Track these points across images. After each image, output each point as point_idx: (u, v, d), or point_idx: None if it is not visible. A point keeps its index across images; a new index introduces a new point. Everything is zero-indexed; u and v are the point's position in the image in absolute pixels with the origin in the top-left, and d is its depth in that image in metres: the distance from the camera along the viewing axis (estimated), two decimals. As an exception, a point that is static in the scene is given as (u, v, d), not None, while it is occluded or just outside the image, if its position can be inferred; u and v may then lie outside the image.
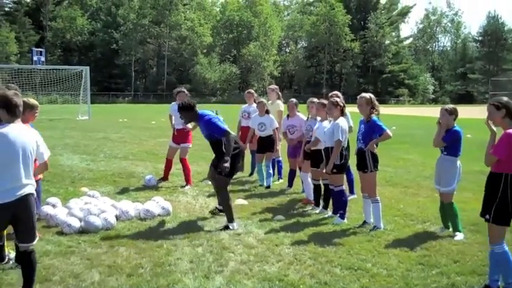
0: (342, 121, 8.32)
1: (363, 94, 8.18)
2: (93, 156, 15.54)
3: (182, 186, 11.12)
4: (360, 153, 7.91)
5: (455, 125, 7.57)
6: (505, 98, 5.55)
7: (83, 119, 32.72)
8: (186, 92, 11.33)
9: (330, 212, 8.82)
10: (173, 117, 11.44)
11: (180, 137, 11.34)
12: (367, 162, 7.83)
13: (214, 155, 8.28)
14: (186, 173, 11.29)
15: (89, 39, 76.64)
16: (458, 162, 7.57)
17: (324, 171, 8.59)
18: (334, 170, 8.32)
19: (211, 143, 8.15)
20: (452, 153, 7.52)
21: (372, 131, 7.80)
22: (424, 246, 7.08)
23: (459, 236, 7.50)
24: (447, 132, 7.51)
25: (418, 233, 7.81)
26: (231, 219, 7.93)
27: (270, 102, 12.12)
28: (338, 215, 8.42)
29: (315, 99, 9.52)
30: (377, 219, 7.94)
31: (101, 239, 7.20)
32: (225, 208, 8.05)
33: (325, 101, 8.95)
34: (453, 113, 7.55)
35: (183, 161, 11.34)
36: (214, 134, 7.95)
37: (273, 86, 12.71)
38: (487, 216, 5.44)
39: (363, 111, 7.97)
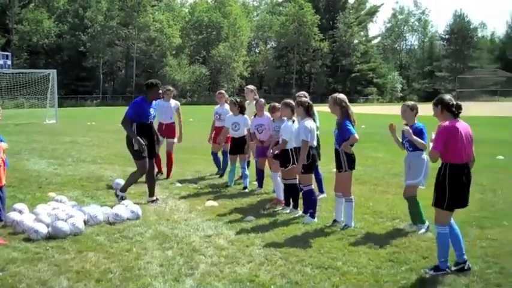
0: (308, 121, 8.39)
1: (333, 94, 8.27)
2: (60, 160, 15.33)
3: (161, 176, 12.29)
4: (336, 153, 8.03)
5: (416, 121, 7.76)
6: (447, 95, 6.26)
7: (50, 123, 32.27)
8: (172, 89, 12.62)
9: (300, 212, 8.84)
10: (161, 113, 12.14)
11: (168, 131, 12.33)
12: (342, 162, 7.94)
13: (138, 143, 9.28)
14: (168, 166, 12.33)
15: (56, 41, 75.52)
16: (425, 156, 7.68)
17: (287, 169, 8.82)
18: (302, 170, 8.37)
19: (150, 123, 9.61)
20: (416, 147, 7.65)
21: (343, 132, 7.90)
22: (393, 243, 7.15)
23: (423, 228, 7.66)
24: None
25: (388, 230, 7.89)
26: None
27: (247, 102, 11.99)
28: (308, 214, 8.45)
29: (277, 104, 9.64)
30: (349, 218, 8.01)
31: (69, 244, 7.08)
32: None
33: (290, 102, 9.07)
34: (414, 108, 7.79)
35: (169, 154, 12.39)
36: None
37: (251, 87, 12.46)
38: (433, 201, 6.09)
39: (332, 111, 8.11)
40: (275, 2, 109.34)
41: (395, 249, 6.92)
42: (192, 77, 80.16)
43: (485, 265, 6.23)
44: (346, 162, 7.92)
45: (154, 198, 9.77)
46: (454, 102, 6.05)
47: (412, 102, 7.99)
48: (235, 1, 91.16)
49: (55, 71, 36.26)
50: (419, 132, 7.60)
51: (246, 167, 11.39)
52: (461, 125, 6.02)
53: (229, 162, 11.73)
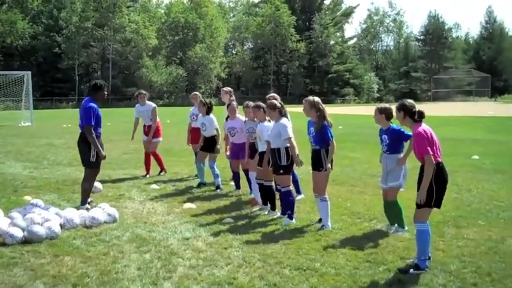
0: (284, 121, 8.42)
1: (308, 98, 8.27)
2: (36, 163, 15.16)
3: (159, 174, 13.03)
4: (315, 153, 8.03)
5: (391, 123, 7.74)
6: (409, 100, 6.45)
7: (25, 125, 31.94)
8: (145, 92, 13.23)
9: (278, 213, 8.86)
10: (142, 117, 13.09)
11: (149, 131, 12.92)
12: (323, 161, 7.94)
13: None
14: (158, 162, 13.05)
15: (30, 43, 74.50)
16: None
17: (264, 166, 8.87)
18: (281, 171, 8.38)
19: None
20: (395, 150, 7.70)
21: (323, 135, 7.92)
22: (371, 244, 7.19)
23: (402, 231, 7.71)
24: (386, 133, 7.73)
25: (365, 231, 7.93)
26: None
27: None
28: (286, 215, 8.46)
29: (251, 103, 9.66)
30: (325, 217, 8.04)
31: (45, 248, 7.00)
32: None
33: (261, 104, 9.14)
34: (383, 111, 7.71)
35: (153, 153, 12.97)
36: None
37: (226, 89, 12.48)
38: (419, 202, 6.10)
39: (308, 114, 8.13)
40: (251, 3, 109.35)
41: (373, 249, 6.95)
42: (169, 78, 79.80)
43: (461, 264, 6.29)
44: (326, 161, 7.94)
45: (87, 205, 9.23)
46: (417, 110, 6.25)
47: (383, 105, 7.88)
48: (211, 2, 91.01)
49: (29, 72, 35.88)
50: (397, 133, 7.61)
51: (215, 166, 11.44)
52: (427, 126, 6.21)
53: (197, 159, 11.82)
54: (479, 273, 6.03)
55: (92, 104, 9.13)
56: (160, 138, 13.24)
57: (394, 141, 7.65)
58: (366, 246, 7.10)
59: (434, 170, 6.00)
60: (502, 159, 15.67)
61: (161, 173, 13.05)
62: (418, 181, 6.17)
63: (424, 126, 6.15)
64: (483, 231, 7.84)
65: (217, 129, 11.42)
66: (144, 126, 13.11)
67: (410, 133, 7.37)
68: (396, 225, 7.85)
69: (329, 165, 7.95)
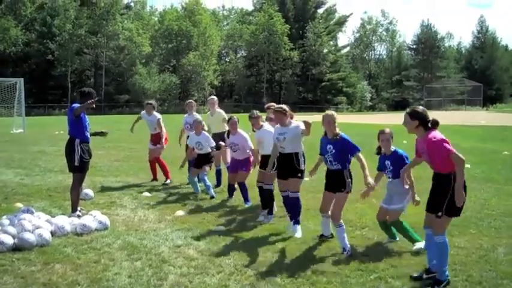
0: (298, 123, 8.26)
1: (328, 112, 7.79)
2: (27, 170, 15.10)
3: (164, 183, 12.80)
4: (335, 173, 7.47)
5: (393, 147, 7.52)
6: (421, 108, 6.16)
7: (17, 132, 31.77)
8: (153, 103, 13.50)
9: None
10: (147, 125, 13.31)
11: (155, 140, 13.17)
12: (346, 182, 7.43)
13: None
14: (163, 169, 13.05)
15: (23, 50, 74.18)
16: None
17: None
18: (299, 175, 8.23)
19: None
20: (399, 175, 7.21)
21: (343, 149, 7.39)
22: (362, 252, 7.20)
23: (418, 245, 7.19)
24: (389, 158, 7.46)
25: (357, 239, 7.93)
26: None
27: (209, 112, 12.68)
28: (293, 222, 8.29)
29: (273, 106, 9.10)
30: (344, 242, 7.30)
31: (35, 256, 6.97)
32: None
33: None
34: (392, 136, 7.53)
35: (158, 160, 13.15)
36: None
37: (215, 98, 12.94)
38: (440, 214, 5.94)
39: (329, 130, 7.54)
40: (245, 12, 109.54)
41: (364, 258, 6.96)
42: (162, 85, 79.59)
43: (452, 273, 6.29)
44: (350, 182, 7.48)
45: (78, 213, 9.15)
46: (431, 119, 6.01)
47: (390, 130, 7.62)
48: (204, 10, 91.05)
49: (22, 79, 35.73)
50: (400, 160, 7.33)
51: (206, 178, 11.48)
52: (438, 132, 6.04)
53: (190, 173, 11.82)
54: (470, 281, 6.05)
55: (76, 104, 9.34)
56: (164, 146, 13.25)
57: (397, 167, 7.28)
58: (357, 254, 7.12)
59: (451, 179, 5.96)
60: (494, 168, 15.72)
61: (167, 181, 12.89)
62: (442, 194, 5.98)
63: (437, 132, 5.97)
64: (474, 239, 7.86)
65: (211, 147, 11.37)
66: (151, 135, 13.30)
67: (408, 161, 7.18)
68: (398, 238, 7.66)
69: (371, 180, 7.37)
